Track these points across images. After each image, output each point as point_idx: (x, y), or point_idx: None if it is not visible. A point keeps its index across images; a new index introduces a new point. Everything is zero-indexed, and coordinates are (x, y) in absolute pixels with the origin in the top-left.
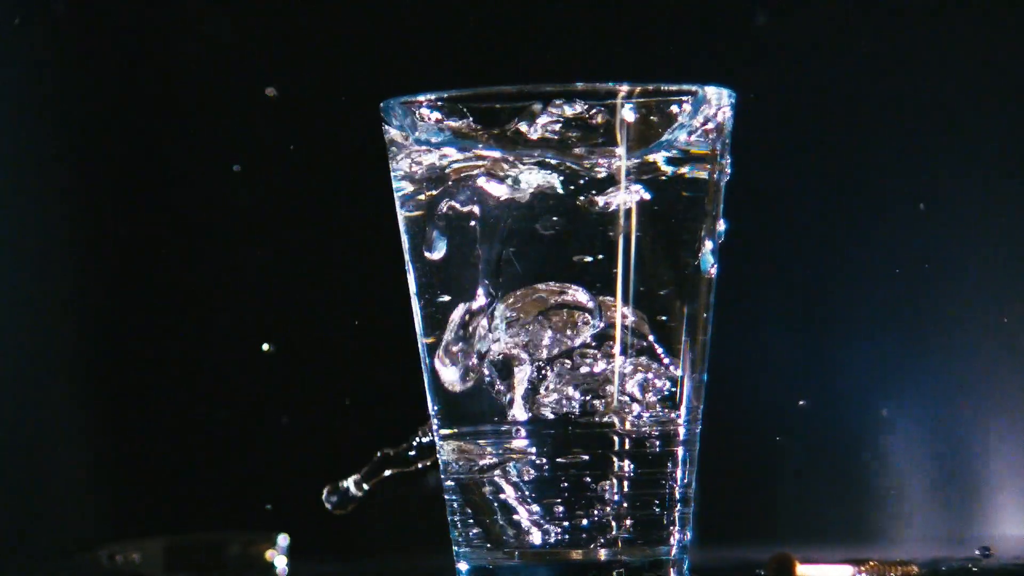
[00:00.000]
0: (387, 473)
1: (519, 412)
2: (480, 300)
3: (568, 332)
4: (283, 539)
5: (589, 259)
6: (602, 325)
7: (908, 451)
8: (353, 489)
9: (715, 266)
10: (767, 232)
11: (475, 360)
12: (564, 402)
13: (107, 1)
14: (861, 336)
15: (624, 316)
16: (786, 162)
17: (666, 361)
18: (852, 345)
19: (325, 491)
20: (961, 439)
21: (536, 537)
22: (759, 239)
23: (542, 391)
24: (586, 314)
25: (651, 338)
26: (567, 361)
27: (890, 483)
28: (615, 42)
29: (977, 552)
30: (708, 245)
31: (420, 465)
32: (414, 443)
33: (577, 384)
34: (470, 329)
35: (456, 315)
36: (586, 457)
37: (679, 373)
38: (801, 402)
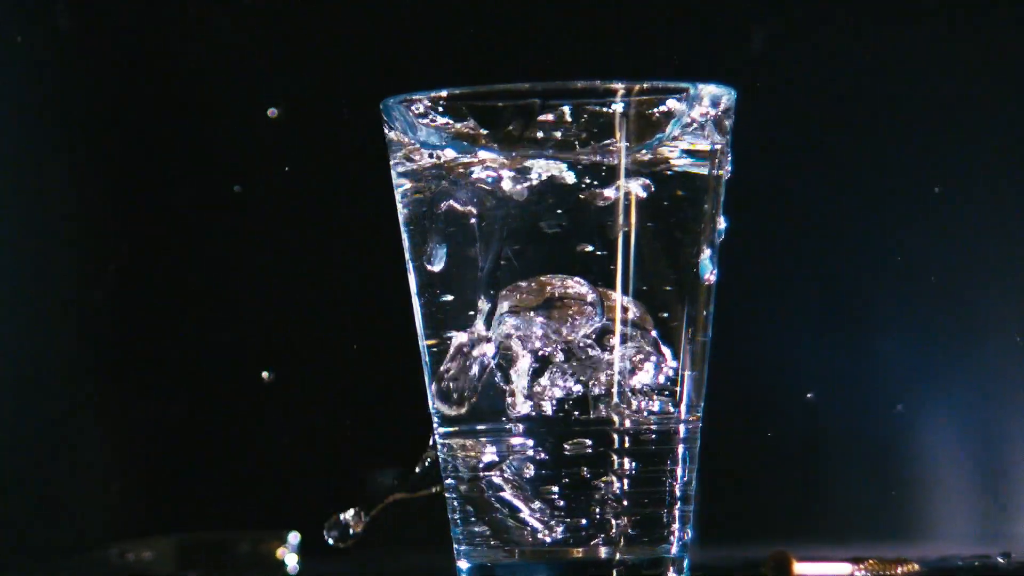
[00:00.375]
0: (387, 501)
1: (520, 406)
2: (479, 329)
3: (569, 324)
4: (293, 537)
5: (591, 256)
6: (603, 320)
7: (915, 448)
8: (352, 522)
9: (714, 272)
10: (769, 229)
11: (474, 378)
12: (564, 395)
13: (106, 4)
14: (863, 333)
15: (627, 309)
16: (790, 159)
17: (667, 354)
18: (854, 342)
19: (326, 525)
20: (975, 436)
21: (537, 535)
22: (761, 235)
23: (543, 382)
24: (587, 307)
25: (654, 333)
26: (568, 354)
27: (895, 481)
28: (615, 42)
29: (999, 558)
30: (707, 252)
31: (431, 491)
32: (418, 470)
33: (577, 376)
34: (468, 362)
35: (452, 349)
36: (589, 442)
37: (683, 371)
38: (809, 395)
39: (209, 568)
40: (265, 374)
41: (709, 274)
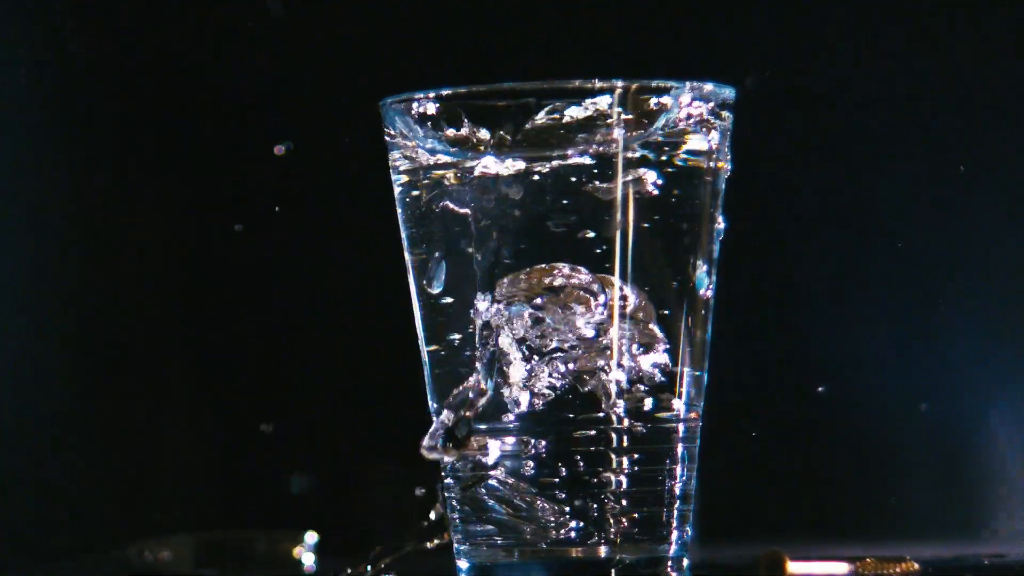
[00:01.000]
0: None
1: (520, 399)
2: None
3: (571, 313)
4: (311, 536)
5: (590, 253)
6: (606, 310)
7: (918, 447)
8: None
9: (711, 287)
10: (769, 225)
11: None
12: (564, 387)
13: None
14: (863, 330)
15: (626, 298)
16: (789, 156)
17: (668, 348)
18: (855, 340)
19: None
20: (976, 434)
21: (536, 535)
22: (762, 232)
23: (542, 373)
24: (589, 295)
25: (654, 327)
26: (568, 344)
27: (896, 480)
28: (616, 41)
29: None
30: (703, 266)
31: (434, 542)
32: (430, 520)
33: (577, 367)
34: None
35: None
36: (592, 433)
37: (683, 369)
38: (820, 388)
39: (226, 567)
40: (264, 426)
41: (706, 289)
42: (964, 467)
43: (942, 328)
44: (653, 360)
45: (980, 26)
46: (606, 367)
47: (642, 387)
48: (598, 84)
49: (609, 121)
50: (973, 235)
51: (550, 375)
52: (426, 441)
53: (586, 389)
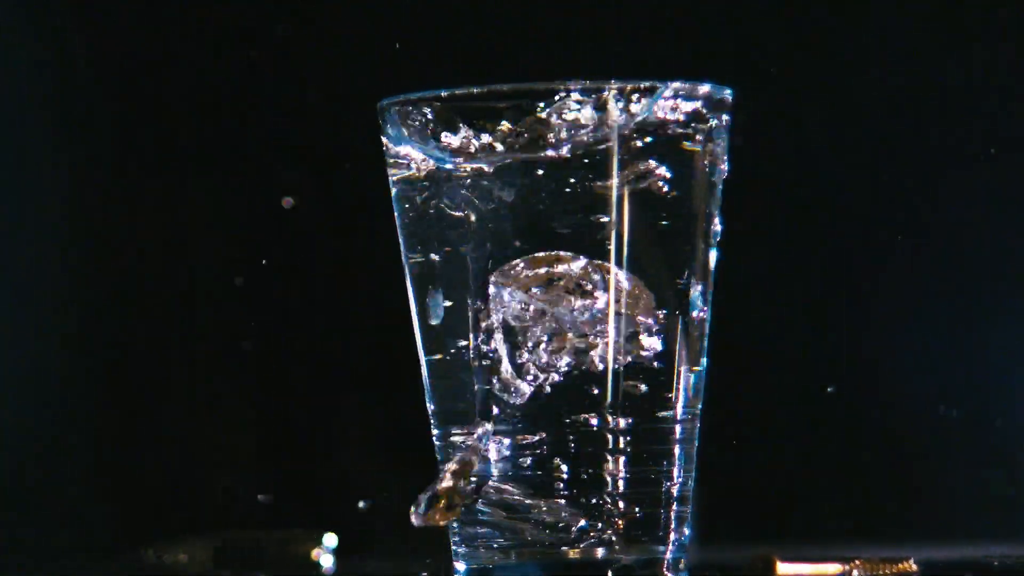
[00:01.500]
0: None
1: (518, 391)
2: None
3: (568, 303)
4: (329, 538)
5: (587, 252)
6: (604, 300)
7: (916, 448)
8: None
9: (705, 310)
10: (768, 225)
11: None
12: (561, 377)
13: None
14: (860, 330)
15: (624, 288)
16: (787, 157)
17: (659, 340)
18: (850, 339)
19: None
20: (963, 428)
21: (533, 536)
22: (761, 231)
23: (539, 364)
24: (587, 283)
25: (650, 321)
26: (566, 334)
27: (894, 481)
28: (615, 41)
29: None
30: (697, 287)
31: None
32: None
33: (574, 359)
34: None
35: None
36: (589, 434)
37: (679, 369)
38: (829, 388)
39: (244, 568)
40: (261, 497)
41: (701, 312)
42: (968, 467)
43: (943, 327)
44: (652, 351)
45: (981, 24)
46: (604, 355)
47: (640, 384)
48: (592, 85)
49: (604, 121)
50: (973, 232)
51: (548, 365)
52: (414, 509)
53: (583, 369)
